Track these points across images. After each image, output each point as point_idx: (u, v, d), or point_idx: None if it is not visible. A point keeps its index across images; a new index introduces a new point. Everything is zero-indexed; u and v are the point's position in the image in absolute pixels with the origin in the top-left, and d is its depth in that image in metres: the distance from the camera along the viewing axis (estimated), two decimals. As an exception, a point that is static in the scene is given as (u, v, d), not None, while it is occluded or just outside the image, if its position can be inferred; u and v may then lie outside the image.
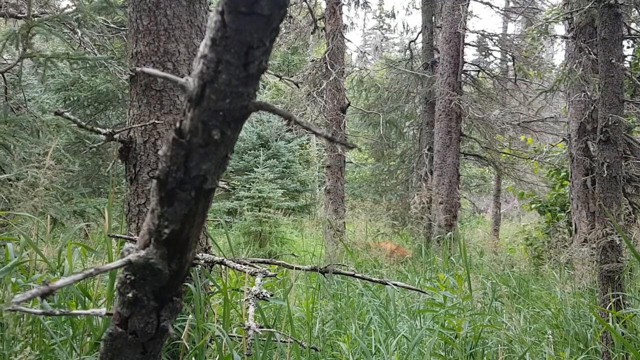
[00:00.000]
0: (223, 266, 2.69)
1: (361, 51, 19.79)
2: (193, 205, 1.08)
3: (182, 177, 1.05)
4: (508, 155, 14.56)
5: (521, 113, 13.94)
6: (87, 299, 2.49)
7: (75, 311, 1.21)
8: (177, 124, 1.05)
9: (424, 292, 3.36)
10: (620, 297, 4.18)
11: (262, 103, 1.05)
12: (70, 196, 9.40)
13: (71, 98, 11.77)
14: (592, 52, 7.97)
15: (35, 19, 5.34)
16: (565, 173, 11.15)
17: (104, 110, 12.51)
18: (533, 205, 12.35)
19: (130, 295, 1.11)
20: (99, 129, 2.44)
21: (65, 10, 5.76)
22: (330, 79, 12.05)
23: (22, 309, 1.07)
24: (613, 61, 4.46)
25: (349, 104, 12.80)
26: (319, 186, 23.95)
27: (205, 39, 1.01)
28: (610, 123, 4.39)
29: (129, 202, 2.85)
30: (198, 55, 1.02)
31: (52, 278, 2.61)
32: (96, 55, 6.61)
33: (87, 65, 9.86)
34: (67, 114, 1.79)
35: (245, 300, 2.18)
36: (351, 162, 21.15)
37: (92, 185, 12.34)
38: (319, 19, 13.20)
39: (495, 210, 18.84)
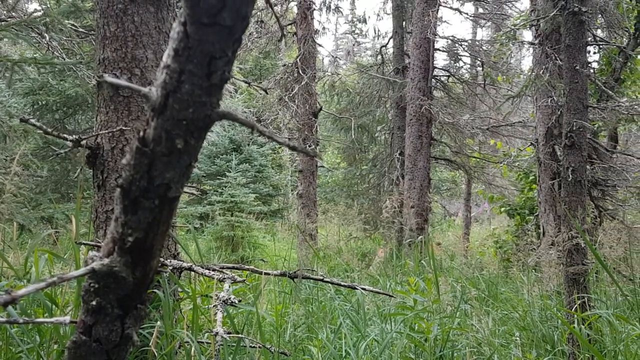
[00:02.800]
0: (193, 272, 2.70)
1: (333, 56, 19.88)
2: (157, 214, 1.09)
3: (145, 185, 1.06)
4: (478, 160, 14.73)
5: (490, 118, 14.12)
6: (54, 306, 2.47)
7: (39, 319, 1.21)
8: (141, 133, 1.06)
9: (392, 296, 3.39)
10: (586, 299, 4.27)
11: (225, 112, 1.06)
12: (38, 202, 9.28)
13: (39, 102, 11.60)
14: (558, 58, 8.11)
15: (2, 23, 5.28)
16: (533, 177, 11.32)
17: (73, 114, 12.36)
18: (502, 209, 12.52)
19: (94, 303, 1.12)
20: (65, 135, 2.41)
21: (33, 15, 5.70)
22: (302, 83, 12.08)
23: (-16, 318, 1.07)
24: (577, 67, 4.55)
25: (320, 109, 12.85)
26: (292, 190, 23.95)
27: (168, 49, 1.02)
28: (574, 128, 4.48)
29: (96, 208, 2.83)
30: (161, 65, 1.03)
31: (17, 285, 2.58)
32: (64, 59, 6.55)
33: (56, 69, 9.75)
34: (32, 120, 1.78)
35: (213, 306, 2.19)
36: (323, 167, 21.19)
37: (61, 190, 12.17)
38: (291, 24, 13.23)
39: (466, 214, 19.04)
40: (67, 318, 1.14)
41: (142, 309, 1.16)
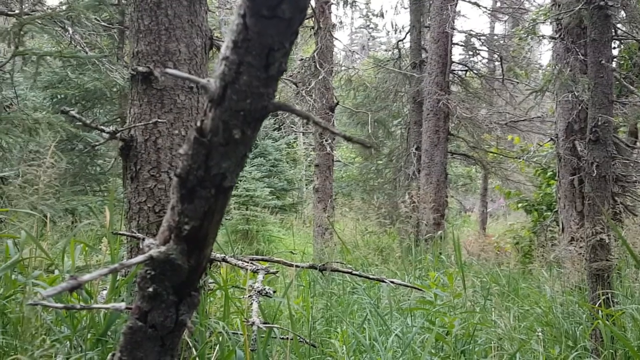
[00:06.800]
0: (224, 263, 2.73)
1: (349, 50, 19.84)
2: (212, 203, 1.11)
3: (202, 175, 1.08)
4: (495, 155, 14.66)
5: (508, 113, 14.05)
6: (88, 295, 2.51)
7: (95, 305, 1.24)
8: (198, 123, 1.08)
9: (420, 290, 3.41)
10: (609, 295, 4.25)
11: (281, 103, 1.08)
12: (60, 194, 9.35)
13: (58, 96, 11.69)
14: (579, 53, 8.06)
15: (26, 17, 5.32)
16: (551, 172, 11.25)
17: (92, 108, 12.44)
18: (519, 205, 12.47)
19: (150, 289, 1.14)
20: (102, 127, 2.46)
21: (58, 8, 5.74)
22: (319, 77, 12.07)
23: (45, 303, 1.10)
24: (603, 62, 4.53)
25: (337, 103, 12.84)
26: (306, 185, 24.00)
27: (227, 41, 1.04)
28: (600, 123, 4.46)
29: (129, 200, 2.87)
30: (219, 57, 1.05)
31: (52, 276, 2.62)
32: (87, 53, 6.60)
33: (76, 63, 9.82)
34: (73, 112, 1.81)
35: (249, 296, 2.21)
36: (339, 161, 21.17)
37: (80, 183, 12.27)
38: (308, 18, 13.23)
39: (482, 209, 18.99)
40: (123, 304, 1.16)
41: (196, 296, 1.19)
